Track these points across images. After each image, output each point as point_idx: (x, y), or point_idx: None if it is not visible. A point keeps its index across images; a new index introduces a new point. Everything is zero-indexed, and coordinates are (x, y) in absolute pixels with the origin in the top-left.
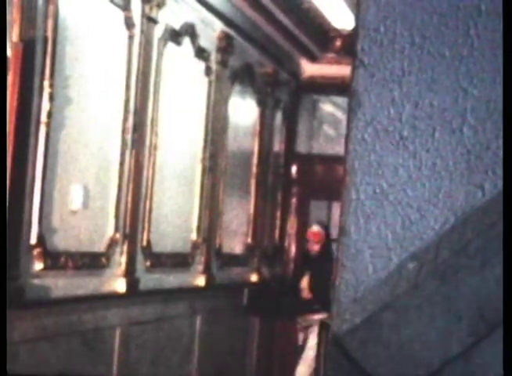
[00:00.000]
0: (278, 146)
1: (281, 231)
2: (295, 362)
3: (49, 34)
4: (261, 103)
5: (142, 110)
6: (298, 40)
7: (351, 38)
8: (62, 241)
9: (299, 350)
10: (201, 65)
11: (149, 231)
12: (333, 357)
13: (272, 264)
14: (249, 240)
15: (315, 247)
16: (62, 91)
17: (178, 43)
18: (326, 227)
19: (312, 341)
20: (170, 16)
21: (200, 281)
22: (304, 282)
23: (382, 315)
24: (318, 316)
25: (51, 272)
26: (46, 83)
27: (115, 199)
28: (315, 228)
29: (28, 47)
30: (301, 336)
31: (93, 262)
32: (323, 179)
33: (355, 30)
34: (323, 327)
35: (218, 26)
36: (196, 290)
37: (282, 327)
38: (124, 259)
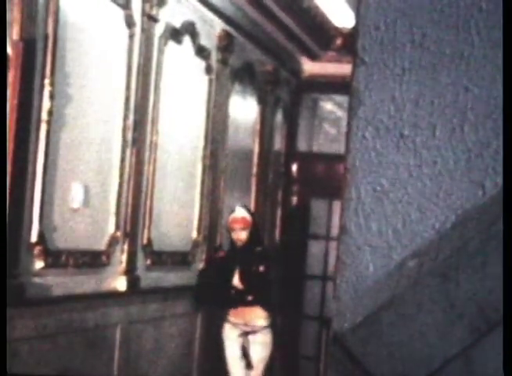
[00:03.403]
0: (278, 144)
1: (281, 229)
2: (297, 357)
3: (50, 32)
4: (262, 102)
5: (142, 108)
6: (299, 38)
7: (351, 37)
8: (62, 239)
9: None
10: (202, 63)
11: (149, 229)
12: (334, 355)
13: (274, 261)
14: None
15: (241, 236)
16: (62, 89)
17: (179, 41)
18: (250, 212)
19: (261, 352)
20: (170, 15)
21: None
22: (235, 274)
23: (382, 313)
24: (261, 323)
25: (51, 271)
26: (47, 81)
27: (116, 197)
28: (240, 213)
29: (29, 45)
30: (237, 340)
31: (94, 261)
32: (324, 178)
33: (356, 29)
34: (327, 326)
35: (219, 24)
36: None
37: (284, 321)
38: (124, 257)
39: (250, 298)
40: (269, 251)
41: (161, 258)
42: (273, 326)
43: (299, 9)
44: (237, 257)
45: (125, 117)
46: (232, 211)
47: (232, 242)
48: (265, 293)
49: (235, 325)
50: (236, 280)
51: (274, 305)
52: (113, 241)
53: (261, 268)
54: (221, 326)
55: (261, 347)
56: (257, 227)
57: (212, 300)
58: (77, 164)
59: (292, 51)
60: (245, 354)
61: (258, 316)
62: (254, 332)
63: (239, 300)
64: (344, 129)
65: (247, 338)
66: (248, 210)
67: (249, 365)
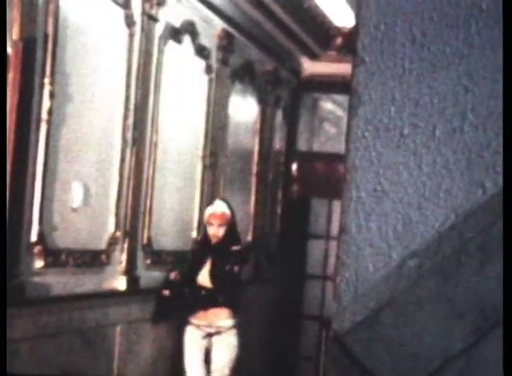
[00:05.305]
0: (278, 144)
1: (281, 229)
2: (297, 358)
3: (50, 31)
4: (262, 101)
5: (142, 107)
6: (299, 38)
7: (351, 36)
8: (62, 239)
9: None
10: (202, 63)
11: (149, 229)
12: (334, 355)
13: (274, 261)
14: (249, 237)
15: (218, 233)
16: (62, 88)
17: (179, 41)
18: (230, 206)
19: (225, 355)
20: (170, 14)
21: None
22: (204, 272)
23: (383, 313)
24: (227, 323)
25: (51, 270)
26: (46, 80)
27: (115, 196)
28: (220, 208)
29: (29, 45)
30: (200, 343)
31: (93, 260)
32: (324, 177)
33: (356, 28)
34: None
35: (219, 24)
36: None
37: (283, 321)
38: (124, 257)
39: (221, 299)
40: (247, 250)
41: (161, 258)
42: (239, 326)
43: (299, 9)
44: (209, 254)
45: (125, 117)
46: (211, 203)
47: (206, 238)
48: (236, 294)
49: (198, 327)
50: (204, 278)
51: (240, 306)
52: (113, 241)
53: (236, 268)
54: (183, 329)
55: (226, 349)
56: (235, 224)
57: (177, 307)
58: (77, 164)
59: (292, 50)
60: (207, 359)
61: (224, 316)
62: (218, 333)
63: (210, 301)
64: (344, 129)
65: (211, 340)
66: (229, 204)
67: (208, 371)
